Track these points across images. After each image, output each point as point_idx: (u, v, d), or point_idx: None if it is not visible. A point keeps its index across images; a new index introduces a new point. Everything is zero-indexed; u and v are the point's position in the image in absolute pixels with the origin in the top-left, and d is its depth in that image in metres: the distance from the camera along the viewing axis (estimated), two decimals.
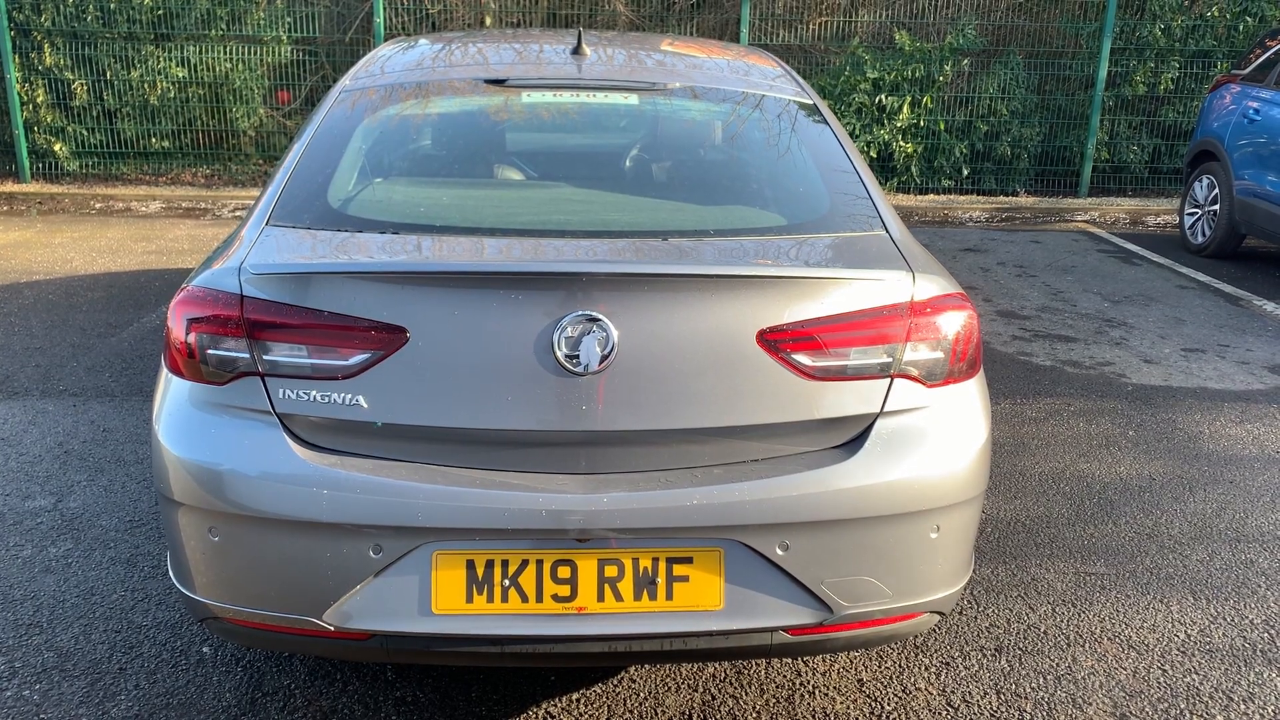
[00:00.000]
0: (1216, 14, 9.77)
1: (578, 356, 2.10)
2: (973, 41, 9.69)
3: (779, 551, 2.16)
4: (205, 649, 2.90)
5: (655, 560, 2.16)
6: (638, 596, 2.16)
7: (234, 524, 2.16)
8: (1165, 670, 2.91)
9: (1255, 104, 7.57)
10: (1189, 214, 8.23)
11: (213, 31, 9.70)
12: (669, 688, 2.78)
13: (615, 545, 2.14)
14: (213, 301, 2.20)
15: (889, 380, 2.24)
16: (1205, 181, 8.02)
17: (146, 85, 9.64)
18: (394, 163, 2.83)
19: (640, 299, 2.13)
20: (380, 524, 2.10)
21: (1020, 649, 2.99)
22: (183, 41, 9.68)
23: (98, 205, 9.22)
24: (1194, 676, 2.89)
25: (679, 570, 2.17)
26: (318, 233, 2.37)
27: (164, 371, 2.36)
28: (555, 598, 2.16)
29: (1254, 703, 2.78)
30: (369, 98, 2.96)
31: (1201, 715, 2.73)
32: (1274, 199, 7.17)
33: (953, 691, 2.79)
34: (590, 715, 2.67)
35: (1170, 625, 3.14)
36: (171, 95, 9.72)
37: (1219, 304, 6.74)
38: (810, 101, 3.11)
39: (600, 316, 2.10)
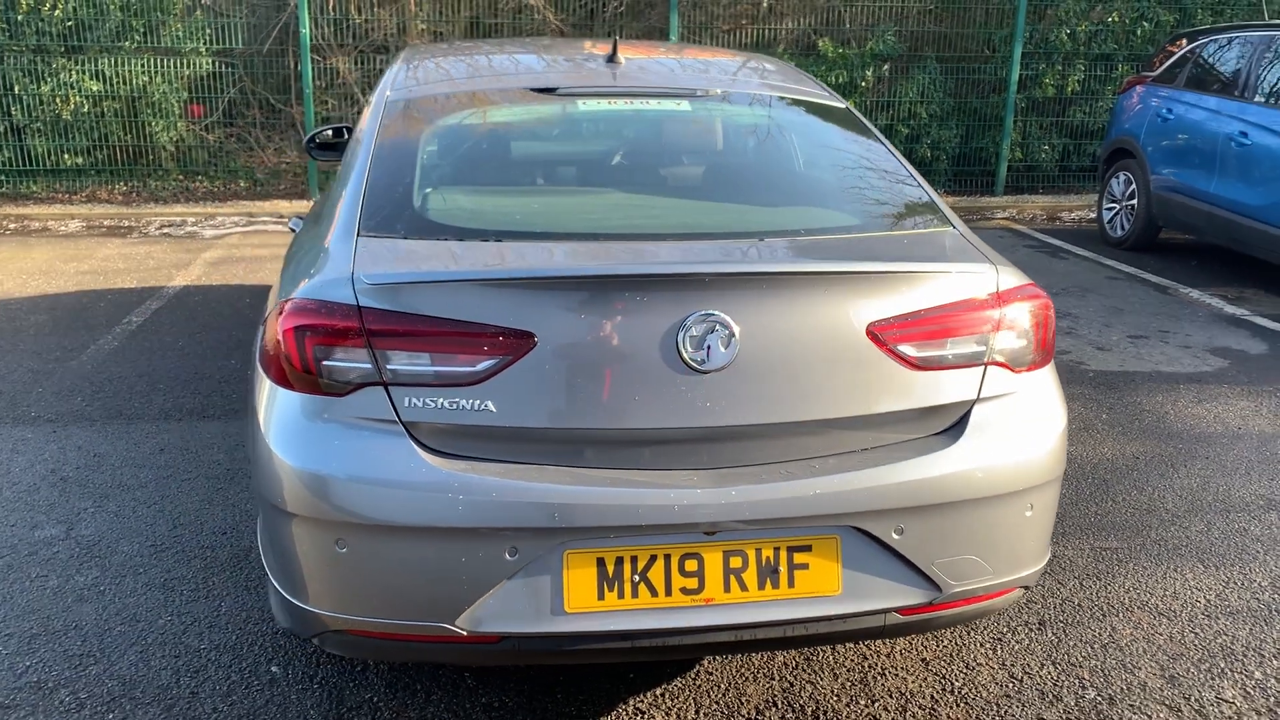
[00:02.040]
0: (1116, 19, 10.30)
1: (702, 355, 2.17)
2: (892, 48, 10.02)
3: (895, 535, 2.25)
4: (274, 668, 2.86)
5: (777, 550, 2.23)
6: (761, 586, 2.23)
7: (365, 535, 2.15)
8: (1197, 633, 3.11)
9: (1168, 104, 8.02)
10: (1107, 209, 8.67)
11: (127, 43, 9.40)
12: (746, 677, 2.85)
13: (740, 537, 2.20)
14: (329, 313, 2.19)
15: (983, 368, 2.36)
16: (1122, 178, 8.46)
17: (58, 99, 9.28)
18: (469, 171, 2.84)
19: (759, 297, 2.21)
20: (518, 526, 2.12)
21: (1062, 622, 3.15)
22: (96, 54, 9.35)
23: (11, 226, 8.84)
24: (1225, 637, 3.09)
25: (799, 558, 2.24)
26: (417, 242, 2.37)
27: (264, 385, 2.33)
28: (683, 590, 2.21)
29: None
30: (422, 107, 2.96)
31: (1241, 671, 2.92)
32: (1190, 193, 7.61)
33: (1012, 665, 2.93)
34: (677, 709, 2.72)
35: (1189, 592, 3.34)
36: (85, 110, 9.38)
37: (1149, 293, 7.12)
38: (843, 105, 3.23)
39: (723, 315, 2.17)
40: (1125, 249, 8.37)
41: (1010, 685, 2.84)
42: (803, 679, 2.85)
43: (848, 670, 2.89)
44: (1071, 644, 3.03)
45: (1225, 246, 7.64)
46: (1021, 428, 2.39)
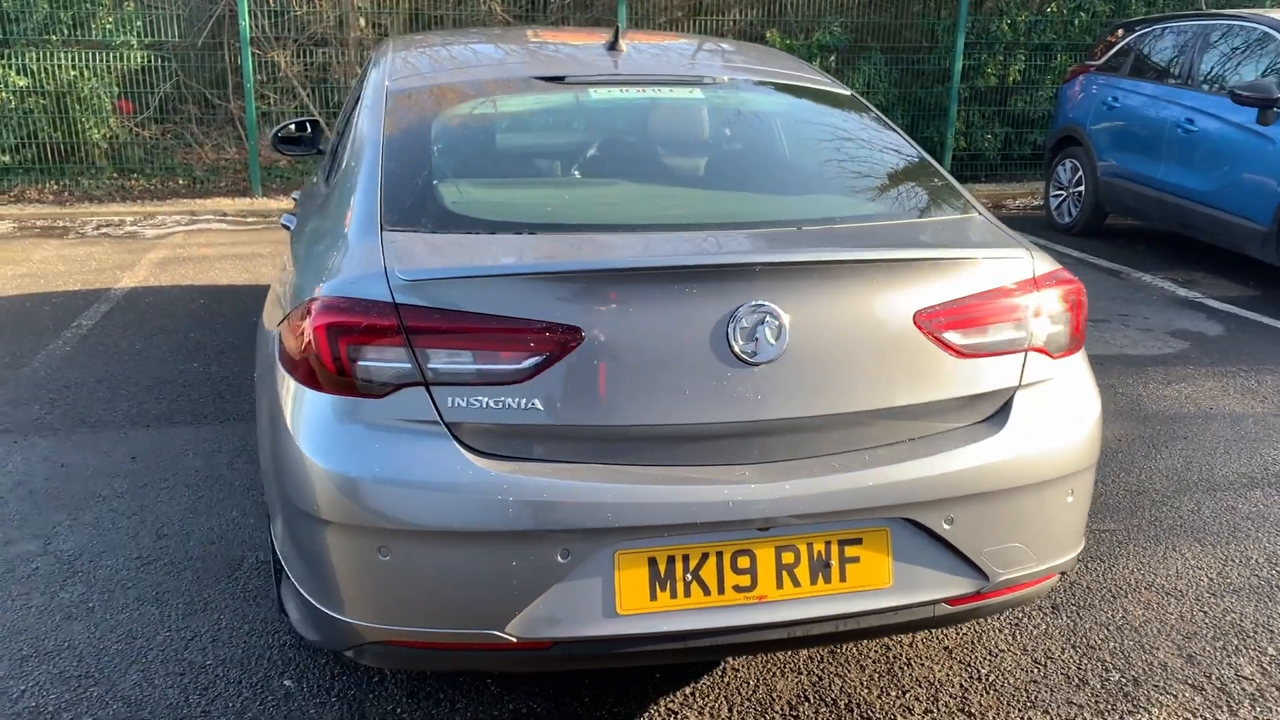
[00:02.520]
0: (1055, 9, 10.48)
1: (753, 346, 2.12)
2: (839, 39, 10.07)
3: (945, 525, 2.23)
4: (288, 682, 2.75)
5: (828, 544, 2.20)
6: (813, 580, 2.19)
7: (410, 541, 2.06)
8: (1205, 611, 3.15)
9: (1113, 92, 8.17)
10: (1054, 196, 8.82)
11: (55, 36, 9.05)
12: (774, 673, 2.81)
13: (792, 532, 2.16)
14: (364, 311, 2.09)
15: (1024, 354, 2.35)
16: (1069, 165, 8.60)
17: None
18: (487, 162, 2.75)
19: (807, 286, 2.16)
20: (571, 528, 2.05)
21: (1075, 605, 3.17)
22: (22, 48, 8.99)
23: None
24: (1233, 614, 3.13)
25: (850, 551, 2.21)
26: (448, 236, 2.28)
27: (288, 387, 2.22)
28: (736, 588, 2.16)
29: None
30: (428, 98, 2.86)
31: (1255, 648, 2.96)
32: (1136, 178, 7.77)
33: (1034, 650, 2.94)
34: (710, 708, 2.67)
35: (1191, 571, 3.39)
36: (12, 106, 9.01)
37: (1102, 277, 7.25)
38: (848, 92, 3.21)
39: (773, 306, 2.12)
40: (1073, 235, 8.52)
41: (1035, 670, 2.85)
42: (831, 672, 2.82)
43: (873, 661, 2.87)
44: (1088, 627, 3.05)
45: (1172, 231, 7.81)
46: (1061, 414, 2.38)
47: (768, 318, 2.11)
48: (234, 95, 10.08)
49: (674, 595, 2.13)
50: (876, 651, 2.91)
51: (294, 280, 2.49)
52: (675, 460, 2.15)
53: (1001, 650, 2.93)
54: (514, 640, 2.10)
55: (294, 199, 4.37)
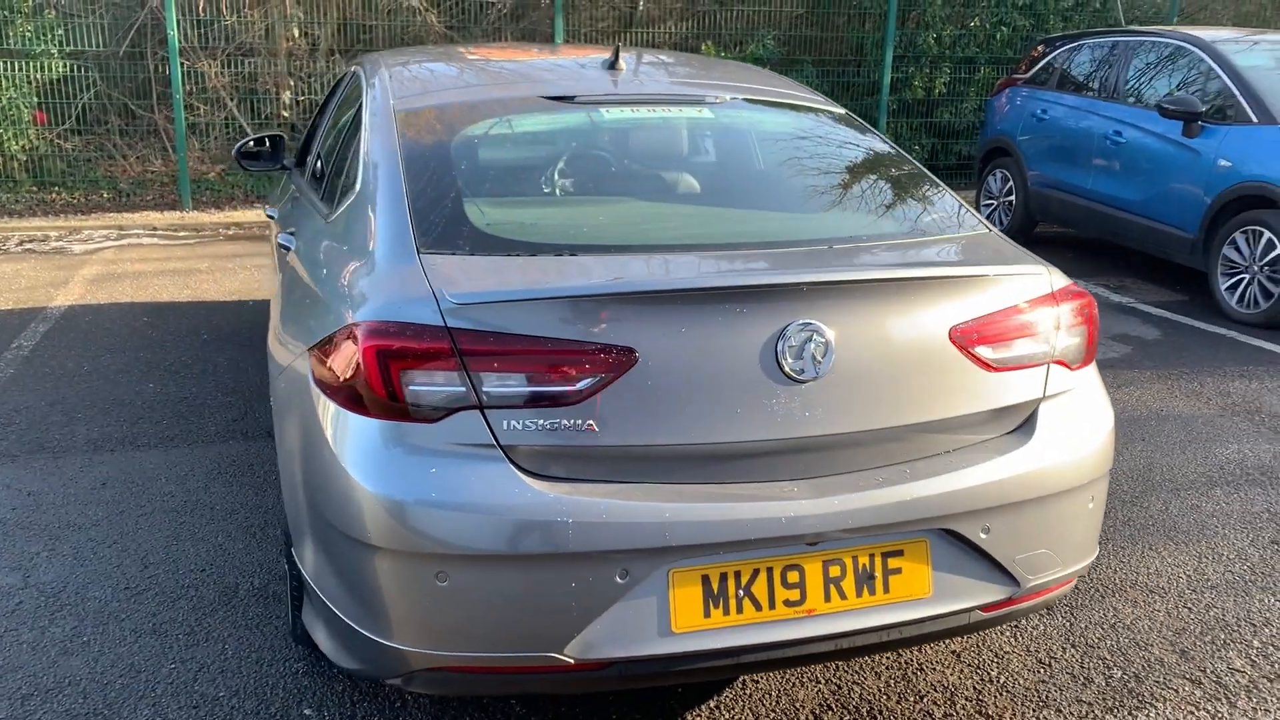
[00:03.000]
0: (978, 24, 10.79)
1: (802, 364, 2.16)
2: (772, 51, 10.22)
3: (982, 535, 2.30)
4: (307, 711, 2.70)
5: (872, 556, 2.24)
6: (859, 593, 2.24)
7: (470, 566, 2.05)
8: (1190, 608, 3.28)
9: (1041, 105, 8.45)
10: (985, 205, 9.08)
11: None
12: (794, 683, 2.85)
13: (839, 545, 2.20)
14: (417, 336, 2.08)
15: (1046, 367, 2.43)
16: (999, 175, 8.87)
17: None
18: (511, 183, 2.75)
19: (850, 304, 2.21)
20: (630, 548, 2.06)
21: (1067, 606, 3.27)
22: None
23: None
24: (1215, 609, 3.28)
25: (893, 563, 2.26)
26: (490, 259, 2.27)
27: (328, 411, 2.19)
28: (786, 603, 2.19)
29: (1272, 626, 3.19)
30: (440, 118, 2.84)
31: (1240, 641, 3.10)
32: (1066, 188, 8.05)
33: (1037, 650, 3.03)
34: (737, 718, 2.71)
35: (1170, 569, 3.53)
36: None
37: None
38: (842, 111, 3.27)
39: (819, 324, 2.17)
40: None
41: (1042, 671, 2.94)
42: (849, 680, 2.87)
43: (887, 669, 2.93)
44: (1084, 626, 3.16)
45: (1101, 238, 8.10)
46: (1081, 423, 2.47)
47: (815, 336, 2.16)
48: (159, 105, 9.82)
49: (727, 612, 2.16)
50: (889, 659, 2.98)
51: (320, 303, 2.45)
52: (727, 478, 2.17)
53: (1006, 652, 3.02)
54: (571, 662, 2.11)
55: (271, 216, 4.27)
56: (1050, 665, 2.97)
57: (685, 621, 2.13)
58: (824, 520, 2.15)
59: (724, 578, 2.15)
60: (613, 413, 2.09)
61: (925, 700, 2.80)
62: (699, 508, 2.11)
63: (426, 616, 2.09)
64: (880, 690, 2.84)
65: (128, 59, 9.70)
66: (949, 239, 2.63)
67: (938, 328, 2.28)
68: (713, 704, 2.76)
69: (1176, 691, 2.86)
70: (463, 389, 2.07)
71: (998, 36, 10.83)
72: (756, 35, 10.29)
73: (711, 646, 2.15)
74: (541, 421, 2.07)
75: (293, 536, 2.53)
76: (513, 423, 2.07)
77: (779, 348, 2.14)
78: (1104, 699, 2.82)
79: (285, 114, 9.77)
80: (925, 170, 2.98)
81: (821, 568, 2.21)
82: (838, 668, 2.91)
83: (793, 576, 2.19)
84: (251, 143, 4.65)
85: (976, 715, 2.74)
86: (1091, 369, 2.57)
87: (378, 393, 2.09)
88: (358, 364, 2.11)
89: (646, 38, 10.41)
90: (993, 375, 2.35)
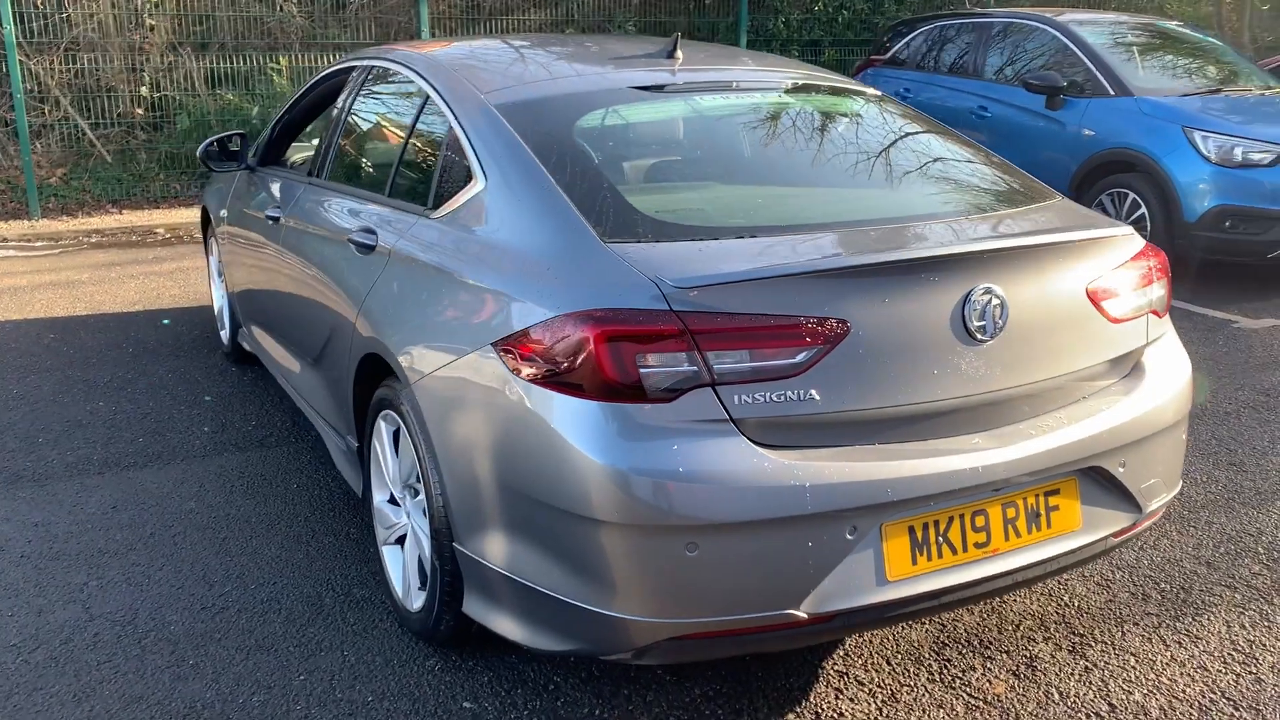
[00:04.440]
0: (821, 8, 11.32)
1: (984, 325, 2.36)
2: (632, 36, 10.39)
3: (1120, 469, 2.57)
4: (466, 703, 2.70)
5: (1038, 496, 2.48)
6: (1029, 531, 2.46)
7: (718, 534, 2.14)
8: (1194, 526, 3.69)
9: (903, 84, 8.99)
10: None
11: None
12: (904, 628, 3.05)
13: (1014, 489, 2.43)
14: (650, 320, 2.15)
15: (1146, 316, 2.73)
16: None
17: None
18: (651, 171, 2.81)
19: (1016, 269, 2.43)
20: (858, 506, 2.21)
21: None
22: None
23: None
24: (1215, 525, 3.70)
25: (1052, 501, 2.50)
26: (677, 245, 2.35)
27: (545, 398, 2.23)
28: (976, 545, 2.39)
29: (1265, 534, 3.65)
30: (547, 111, 2.86)
31: (1249, 550, 3.53)
32: None
33: (1092, 576, 3.36)
34: (869, 662, 2.89)
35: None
36: None
37: None
38: (879, 92, 3.49)
39: (996, 287, 2.37)
40: None
41: (1105, 593, 3.25)
42: (949, 620, 3.10)
43: (976, 606, 3.18)
44: (1117, 551, 3.51)
45: None
46: (1173, 364, 2.78)
47: (993, 298, 2.36)
48: None
49: (930, 558, 2.34)
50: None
51: (488, 300, 2.47)
52: (928, 434, 2.35)
53: (1068, 580, 3.34)
54: (805, 617, 2.24)
55: (273, 218, 4.08)
56: (1109, 588, 3.30)
57: (897, 570, 2.30)
58: (1009, 467, 2.37)
59: (926, 527, 2.33)
60: (830, 381, 2.23)
61: (1022, 627, 3.07)
62: (910, 464, 2.28)
63: (676, 587, 2.17)
64: (979, 624, 3.09)
65: None
66: (1047, 206, 2.88)
67: (1078, 286, 2.53)
68: (839, 654, 2.94)
69: (1220, 598, 3.24)
70: (695, 368, 2.16)
71: (840, 19, 11.39)
72: (616, 20, 10.44)
73: (920, 591, 2.33)
74: (768, 394, 2.19)
75: (459, 531, 2.54)
76: (743, 396, 2.18)
77: (965, 311, 2.33)
78: (1164, 610, 3.17)
79: (140, 111, 9.22)
80: (978, 146, 3.24)
81: (1001, 510, 2.42)
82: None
83: (979, 521, 2.40)
84: (217, 142, 4.48)
85: (1071, 634, 3.03)
86: (1168, 318, 2.89)
87: (610, 377, 2.15)
88: (587, 351, 2.17)
89: (508, 25, 10.39)
90: (1114, 326, 2.62)
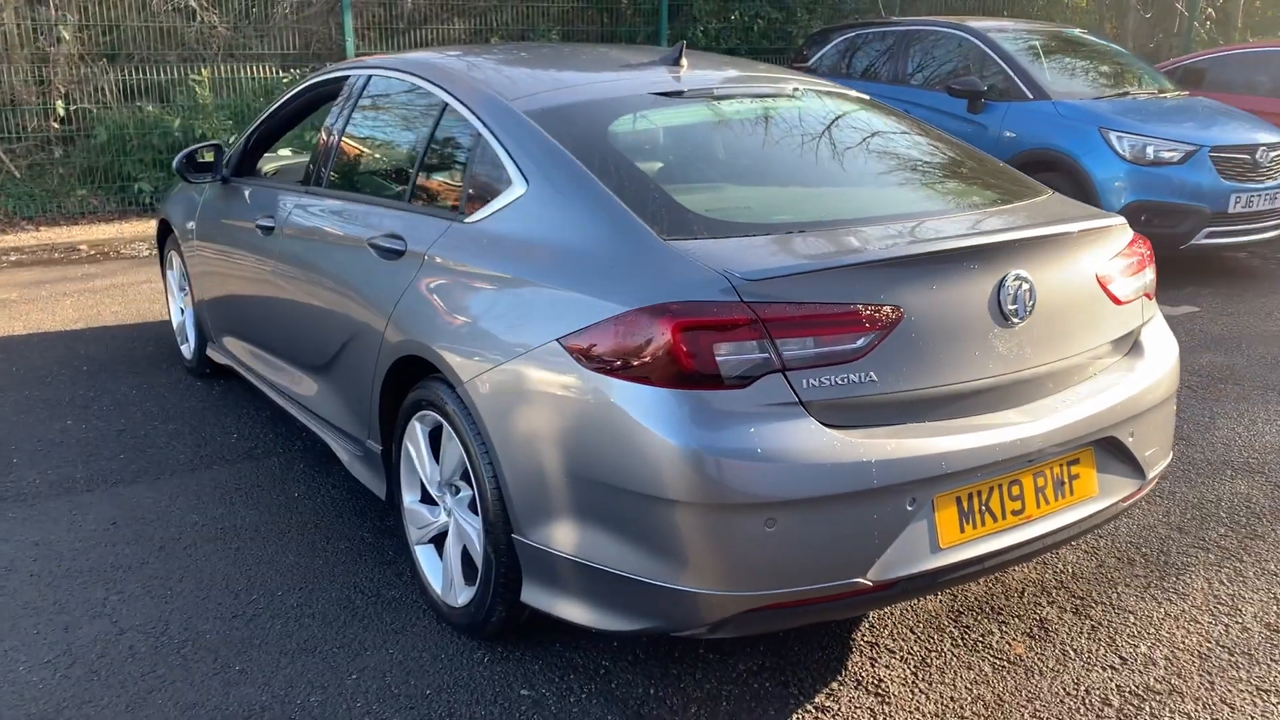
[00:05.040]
0: (737, 17, 11.60)
1: (1017, 308, 2.55)
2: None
3: (1130, 438, 2.79)
4: (524, 691, 2.78)
5: (1062, 466, 2.68)
6: (1057, 498, 2.66)
7: (794, 510, 2.27)
8: (1160, 495, 3.98)
9: None
10: None
11: None
12: (919, 599, 3.24)
13: (1044, 459, 2.62)
14: (725, 311, 2.28)
15: (1141, 299, 2.96)
16: None
17: None
18: (689, 172, 2.93)
19: (1041, 256, 2.63)
20: (917, 479, 2.37)
21: None
22: None
23: None
24: (1178, 493, 3.99)
25: (1074, 470, 2.70)
26: (734, 240, 2.48)
27: (623, 389, 2.33)
28: (1013, 512, 2.58)
29: (1224, 501, 3.95)
30: (577, 116, 2.96)
31: (1213, 515, 3.82)
32: None
33: (1080, 547, 3.60)
34: (897, 632, 3.06)
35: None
36: None
37: None
38: (869, 97, 3.69)
39: (1026, 273, 2.57)
40: None
41: (1093, 559, 3.49)
42: (958, 590, 3.30)
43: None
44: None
45: None
46: (1163, 342, 3.03)
47: (1024, 284, 2.56)
48: None
49: (975, 526, 2.52)
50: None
51: (548, 298, 2.56)
52: (970, 411, 2.53)
53: (1059, 553, 3.57)
54: (870, 584, 2.39)
55: (267, 227, 4.06)
56: (1096, 554, 3.54)
57: (948, 538, 2.47)
58: (1044, 439, 2.56)
59: (971, 497, 2.51)
60: (887, 363, 2.39)
61: (1026, 593, 3.29)
62: (959, 439, 2.45)
63: (754, 561, 2.30)
64: (986, 592, 3.29)
65: None
66: (1052, 199, 3.10)
67: (1089, 271, 2.75)
68: (865, 626, 3.11)
69: (1196, 558, 3.51)
70: (766, 355, 2.30)
71: (754, 28, 11.69)
72: (539, 29, 10.53)
73: (968, 556, 2.50)
74: (833, 377, 2.34)
75: (520, 522, 2.62)
76: (810, 380, 2.32)
77: (1000, 295, 2.52)
78: (1150, 573, 3.42)
79: (56, 125, 8.94)
80: (963, 143, 3.45)
81: (1033, 480, 2.62)
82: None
83: (1015, 490, 2.58)
84: (197, 154, 4.45)
85: (1072, 598, 3.26)
86: (1154, 300, 3.14)
87: (688, 366, 2.27)
88: (664, 342, 2.28)
89: (435, 35, 10.39)
90: (1118, 307, 2.84)
